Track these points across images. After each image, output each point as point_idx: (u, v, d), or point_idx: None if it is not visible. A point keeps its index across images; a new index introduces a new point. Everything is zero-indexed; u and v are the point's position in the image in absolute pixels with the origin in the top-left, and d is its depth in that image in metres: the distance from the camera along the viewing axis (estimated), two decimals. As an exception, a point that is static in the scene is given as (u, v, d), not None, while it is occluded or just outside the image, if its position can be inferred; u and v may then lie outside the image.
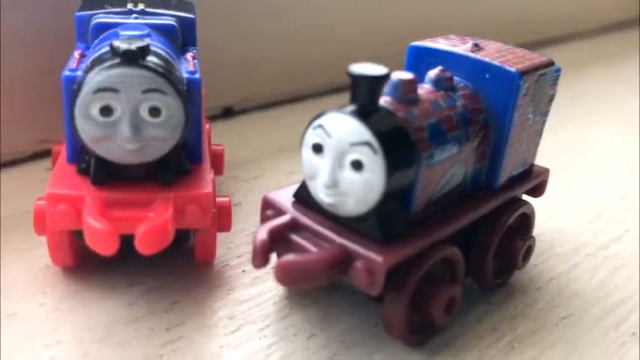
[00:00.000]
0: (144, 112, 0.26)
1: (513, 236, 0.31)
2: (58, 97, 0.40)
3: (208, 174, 0.29)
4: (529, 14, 0.73)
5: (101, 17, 0.30)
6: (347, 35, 0.54)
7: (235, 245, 0.34)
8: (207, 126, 0.37)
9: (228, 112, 0.48)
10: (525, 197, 0.33)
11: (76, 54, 0.29)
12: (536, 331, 0.30)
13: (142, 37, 0.28)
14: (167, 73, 0.26)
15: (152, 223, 0.26)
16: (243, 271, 0.32)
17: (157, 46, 0.28)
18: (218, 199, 0.31)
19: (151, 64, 0.26)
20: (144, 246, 0.26)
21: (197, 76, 0.29)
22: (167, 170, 0.28)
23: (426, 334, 0.28)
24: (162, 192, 0.28)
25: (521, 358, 0.28)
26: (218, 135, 0.41)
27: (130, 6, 0.31)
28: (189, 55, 0.31)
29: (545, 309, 0.31)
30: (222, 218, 0.31)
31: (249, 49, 0.47)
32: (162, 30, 0.30)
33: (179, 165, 0.29)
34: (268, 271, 0.32)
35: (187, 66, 0.29)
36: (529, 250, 0.32)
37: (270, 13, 0.48)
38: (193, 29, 0.32)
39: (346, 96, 0.26)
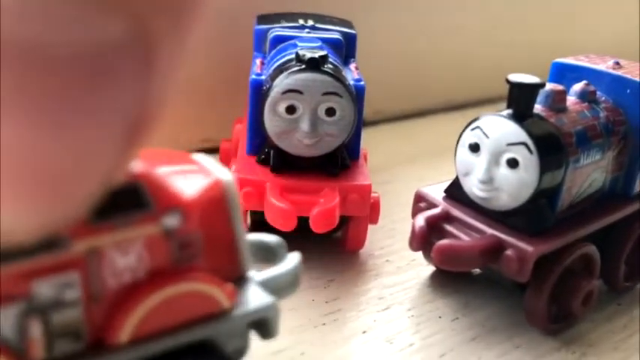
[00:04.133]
0: (321, 112, 0.30)
1: (645, 243, 0.33)
2: (219, 101, 0.45)
3: (366, 169, 0.33)
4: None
5: (278, 30, 0.35)
6: (470, 60, 0.58)
7: (377, 239, 0.37)
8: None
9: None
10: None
11: (258, 62, 0.34)
12: (667, 332, 0.31)
13: (317, 48, 0.32)
14: (343, 79, 0.31)
15: (324, 207, 0.30)
16: (387, 260, 0.35)
17: (330, 56, 0.32)
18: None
19: (330, 71, 0.30)
20: (317, 225, 0.30)
21: (362, 83, 0.33)
22: (334, 163, 0.32)
23: (563, 324, 0.30)
24: (330, 182, 0.32)
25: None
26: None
27: (300, 22, 0.36)
28: (352, 66, 0.35)
29: (673, 313, 0.33)
30: (372, 211, 0.34)
31: (383, 65, 0.52)
32: (330, 43, 0.35)
33: (342, 160, 0.33)
34: (409, 262, 0.35)
35: (352, 75, 0.34)
36: (659, 258, 0.34)
37: (405, 36, 0.53)
38: (354, 43, 0.36)
39: (462, 113, 0.29)
